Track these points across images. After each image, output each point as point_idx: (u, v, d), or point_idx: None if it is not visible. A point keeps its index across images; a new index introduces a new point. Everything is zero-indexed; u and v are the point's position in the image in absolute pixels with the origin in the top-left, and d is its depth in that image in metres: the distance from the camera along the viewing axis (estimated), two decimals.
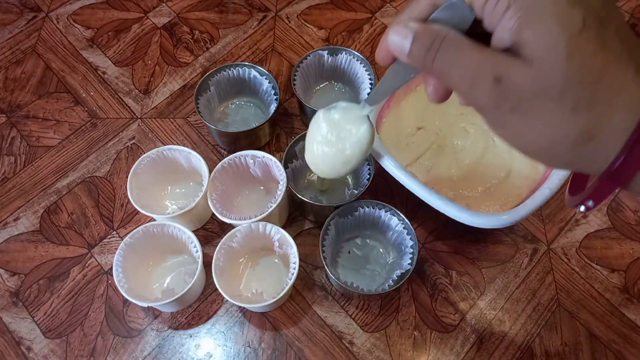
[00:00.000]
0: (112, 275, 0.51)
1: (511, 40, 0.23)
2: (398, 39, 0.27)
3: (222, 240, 0.51)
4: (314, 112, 0.59)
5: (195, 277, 0.50)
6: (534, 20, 0.22)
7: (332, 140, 0.40)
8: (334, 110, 0.40)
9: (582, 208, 0.26)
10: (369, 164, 0.55)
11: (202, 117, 0.58)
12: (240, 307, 0.55)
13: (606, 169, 0.23)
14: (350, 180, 0.59)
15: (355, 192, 0.53)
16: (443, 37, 0.25)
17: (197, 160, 0.55)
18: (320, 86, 0.67)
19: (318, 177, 0.59)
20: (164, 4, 0.77)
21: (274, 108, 0.59)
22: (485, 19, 0.24)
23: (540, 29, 0.22)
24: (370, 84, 0.60)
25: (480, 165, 0.56)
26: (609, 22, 0.22)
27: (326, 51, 0.62)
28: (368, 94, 0.39)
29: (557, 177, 0.48)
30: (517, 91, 0.23)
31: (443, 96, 0.30)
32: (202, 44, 0.73)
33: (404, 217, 0.51)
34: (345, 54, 0.63)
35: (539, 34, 0.22)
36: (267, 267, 0.55)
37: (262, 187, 0.60)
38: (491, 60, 0.23)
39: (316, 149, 0.41)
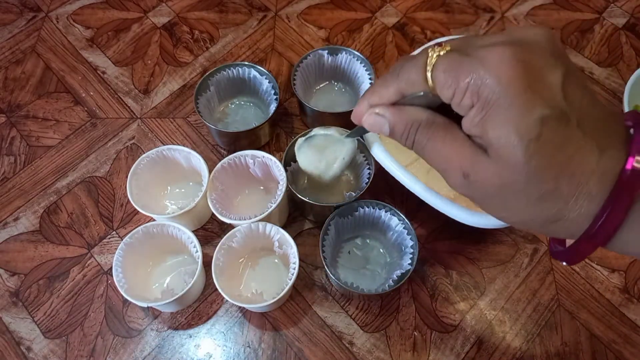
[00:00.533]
0: (111, 276, 0.51)
1: (477, 135, 0.24)
2: (376, 124, 0.29)
3: (222, 240, 0.51)
4: (314, 111, 0.60)
5: (195, 277, 0.50)
6: (495, 124, 0.23)
7: (321, 166, 0.48)
8: (315, 138, 0.48)
9: (564, 263, 0.28)
10: (368, 164, 0.55)
11: (202, 117, 0.58)
12: (240, 307, 0.55)
13: (578, 238, 0.25)
14: (351, 177, 0.59)
15: (354, 194, 0.53)
16: (418, 124, 0.27)
17: (197, 160, 0.55)
18: (320, 86, 0.67)
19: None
20: (163, 4, 0.77)
21: (274, 108, 0.59)
22: (453, 108, 0.25)
23: (501, 133, 0.23)
24: (370, 83, 0.60)
25: None
26: (571, 113, 0.23)
27: (326, 51, 0.62)
28: (349, 131, 0.48)
29: None
30: (484, 185, 0.25)
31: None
32: (202, 43, 0.73)
33: (404, 217, 0.51)
34: (345, 53, 0.63)
35: (500, 137, 0.23)
36: (267, 267, 0.55)
37: (262, 187, 0.60)
38: (460, 154, 0.25)
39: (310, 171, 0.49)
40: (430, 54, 0.25)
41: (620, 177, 0.22)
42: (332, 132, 0.49)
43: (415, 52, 0.29)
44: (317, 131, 0.50)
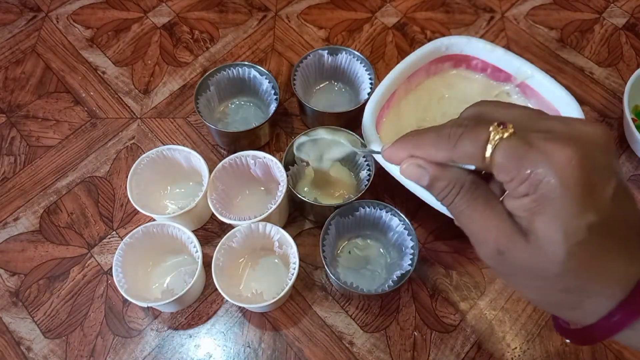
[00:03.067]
0: (111, 276, 0.51)
1: (523, 220, 0.25)
2: (415, 174, 0.29)
3: (222, 241, 0.51)
4: (314, 111, 0.60)
5: (195, 277, 0.50)
6: (545, 218, 0.24)
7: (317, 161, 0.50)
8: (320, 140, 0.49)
9: (568, 341, 0.30)
10: (368, 164, 0.55)
11: (202, 117, 0.58)
12: (240, 307, 0.55)
13: (589, 326, 0.26)
14: (351, 177, 0.59)
15: (352, 196, 0.53)
16: (460, 187, 0.27)
17: (197, 160, 0.55)
18: (320, 86, 0.67)
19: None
20: (163, 4, 0.77)
21: (274, 108, 0.59)
22: (506, 188, 0.26)
23: (549, 228, 0.24)
24: (370, 83, 0.60)
25: None
26: (614, 224, 0.24)
27: (326, 51, 0.62)
28: (363, 144, 0.50)
29: None
30: (515, 265, 0.26)
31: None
32: (202, 43, 0.73)
33: (405, 218, 0.51)
34: (346, 53, 0.63)
35: (546, 231, 0.24)
36: (267, 267, 0.55)
37: (262, 188, 0.60)
38: (499, 230, 0.26)
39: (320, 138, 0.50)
40: (492, 134, 0.25)
41: (638, 284, 0.24)
42: (342, 140, 0.48)
43: (469, 116, 0.29)
44: (322, 134, 0.49)
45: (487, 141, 0.25)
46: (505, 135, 0.25)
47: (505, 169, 0.25)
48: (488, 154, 0.25)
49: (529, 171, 0.24)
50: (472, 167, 0.27)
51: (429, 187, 0.29)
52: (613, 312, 0.25)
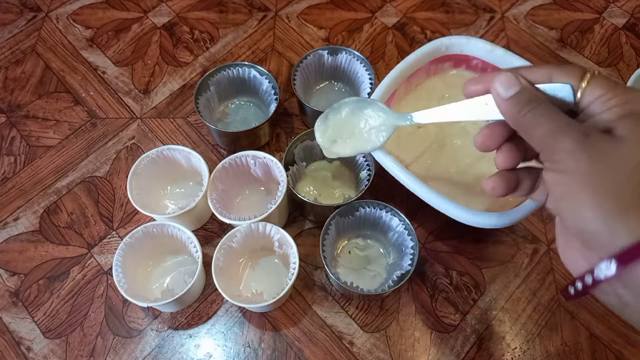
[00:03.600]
0: (111, 275, 0.51)
1: (609, 122, 0.27)
2: (510, 80, 0.31)
3: (222, 240, 0.51)
4: (314, 111, 0.60)
5: (195, 277, 0.50)
6: (632, 113, 0.27)
7: (359, 125, 0.46)
8: (368, 105, 0.46)
9: (572, 290, 0.29)
10: (368, 164, 0.55)
11: (202, 117, 0.58)
12: (240, 307, 0.55)
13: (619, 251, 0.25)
14: (353, 179, 0.59)
15: (352, 196, 0.53)
16: (542, 100, 0.30)
17: (197, 160, 0.55)
18: (320, 86, 0.67)
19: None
20: (163, 4, 0.77)
21: (274, 108, 0.59)
22: (589, 106, 0.29)
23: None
24: (370, 83, 0.60)
25: (480, 165, 0.56)
26: None
27: (326, 51, 0.62)
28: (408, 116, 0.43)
29: None
30: (598, 149, 0.27)
31: (492, 145, 0.34)
32: (202, 43, 0.73)
33: (405, 218, 0.51)
34: (346, 53, 0.63)
35: (633, 130, 0.26)
36: (267, 267, 0.55)
37: (262, 188, 0.60)
38: (581, 125, 0.28)
39: (344, 114, 0.46)
40: (586, 73, 0.30)
41: None
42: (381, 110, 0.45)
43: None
44: (345, 109, 0.46)
45: (583, 74, 0.29)
46: (596, 73, 0.29)
47: (600, 87, 0.28)
48: (587, 77, 0.29)
49: (623, 92, 0.28)
50: (569, 104, 0.30)
51: (512, 98, 0.31)
52: None
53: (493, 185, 0.34)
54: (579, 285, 0.28)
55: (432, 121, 0.41)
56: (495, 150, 0.35)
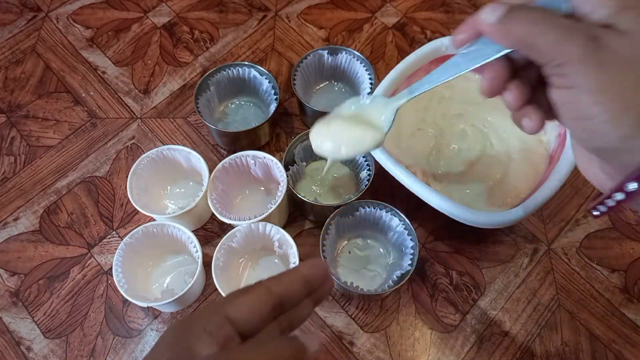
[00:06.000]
0: (111, 275, 0.51)
1: (607, 18, 0.24)
2: (490, 9, 0.28)
3: (222, 240, 0.51)
4: (314, 111, 0.60)
5: (195, 277, 0.50)
6: (635, 5, 0.24)
7: (354, 119, 0.41)
8: (366, 98, 0.42)
9: (597, 212, 0.28)
10: (368, 164, 0.55)
11: (202, 116, 0.58)
12: None
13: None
14: (353, 179, 0.59)
15: (352, 196, 0.53)
16: (536, 8, 0.27)
17: (197, 160, 0.55)
18: (320, 86, 0.67)
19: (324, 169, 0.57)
20: (163, 4, 0.77)
21: (274, 108, 0.59)
22: (582, 4, 0.26)
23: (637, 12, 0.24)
24: (370, 83, 0.60)
25: (479, 165, 0.56)
26: None
27: (326, 51, 0.62)
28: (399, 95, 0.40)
29: (557, 177, 0.48)
30: (610, 50, 0.24)
31: (498, 87, 0.31)
32: (202, 43, 0.73)
33: (405, 218, 0.51)
34: (346, 53, 0.63)
35: (636, 16, 0.24)
36: (267, 267, 0.55)
37: (262, 188, 0.60)
38: (586, 25, 0.25)
39: (334, 123, 0.42)
40: None
41: None
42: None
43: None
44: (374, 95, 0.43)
45: None
46: None
47: None
48: None
49: None
50: (563, 8, 0.27)
51: (504, 16, 0.28)
52: None
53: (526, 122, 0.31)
54: (610, 202, 0.27)
55: (431, 86, 0.37)
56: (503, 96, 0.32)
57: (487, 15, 0.29)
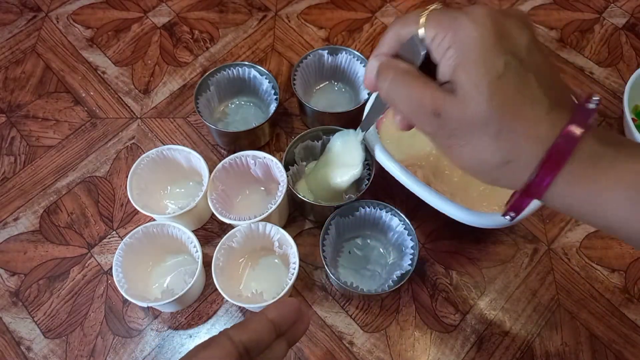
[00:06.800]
0: (111, 275, 0.51)
1: (449, 76, 0.27)
2: (369, 71, 0.33)
3: (222, 240, 0.51)
4: (314, 111, 0.60)
5: (195, 277, 0.50)
6: (466, 63, 0.27)
7: (335, 163, 0.52)
8: (336, 139, 0.53)
9: (508, 218, 0.31)
10: (368, 164, 0.55)
11: (202, 116, 0.58)
12: (240, 307, 0.55)
13: (520, 187, 0.28)
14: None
15: (353, 196, 0.53)
16: (399, 70, 0.30)
17: (197, 160, 0.55)
18: (320, 86, 0.67)
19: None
20: (163, 4, 0.77)
21: (274, 108, 0.59)
22: (432, 53, 0.29)
23: (470, 71, 0.26)
24: None
25: None
26: (530, 66, 0.26)
27: (326, 51, 0.62)
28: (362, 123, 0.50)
29: None
30: (451, 122, 0.28)
31: (407, 126, 0.34)
32: (202, 43, 0.73)
33: (405, 218, 0.51)
34: (346, 53, 0.63)
35: (468, 75, 0.26)
36: (267, 267, 0.55)
37: (262, 188, 0.60)
38: (431, 95, 0.28)
39: (320, 173, 0.53)
40: (425, 11, 0.29)
41: (562, 132, 0.26)
42: (350, 136, 0.52)
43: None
44: (337, 135, 0.53)
45: (422, 11, 0.29)
46: (434, 6, 0.29)
47: (432, 25, 0.28)
48: (422, 18, 0.29)
49: (451, 23, 0.27)
50: (411, 37, 0.30)
51: (376, 79, 0.31)
52: (545, 159, 0.26)
53: None
54: (513, 214, 0.31)
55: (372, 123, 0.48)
56: None
57: (369, 75, 0.33)
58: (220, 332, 0.29)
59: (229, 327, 0.30)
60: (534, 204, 0.48)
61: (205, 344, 0.29)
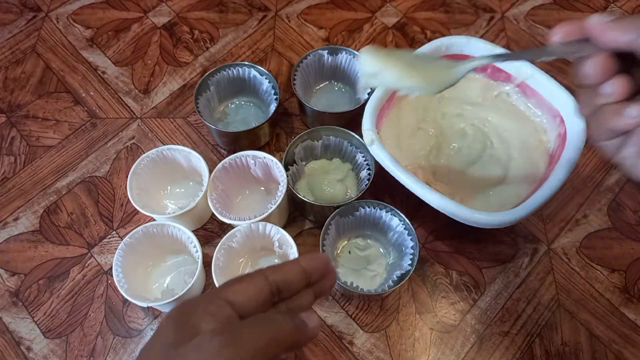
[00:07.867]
0: (111, 275, 0.51)
1: None
2: (599, 16, 0.30)
3: (222, 240, 0.51)
4: (314, 111, 0.60)
5: (195, 277, 0.50)
6: None
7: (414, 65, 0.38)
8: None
9: None
10: (368, 164, 0.55)
11: (202, 117, 0.58)
12: None
13: None
14: (353, 181, 0.59)
15: (353, 196, 0.53)
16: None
17: (197, 160, 0.55)
18: (320, 86, 0.67)
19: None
20: (163, 4, 0.77)
21: (274, 108, 0.59)
22: None
23: None
24: None
25: (479, 165, 0.56)
26: None
27: (326, 51, 0.62)
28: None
29: (557, 177, 0.48)
30: None
31: (602, 78, 0.31)
32: (202, 43, 0.73)
33: (405, 218, 0.51)
34: (346, 53, 0.63)
35: None
36: None
37: (262, 188, 0.60)
38: None
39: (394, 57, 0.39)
40: None
41: None
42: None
43: None
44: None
45: None
46: None
47: None
48: None
49: None
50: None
51: (613, 22, 0.29)
52: None
53: None
54: None
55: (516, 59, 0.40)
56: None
57: (598, 19, 0.30)
58: (256, 270, 0.31)
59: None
60: (536, 201, 0.48)
61: (241, 278, 0.30)
